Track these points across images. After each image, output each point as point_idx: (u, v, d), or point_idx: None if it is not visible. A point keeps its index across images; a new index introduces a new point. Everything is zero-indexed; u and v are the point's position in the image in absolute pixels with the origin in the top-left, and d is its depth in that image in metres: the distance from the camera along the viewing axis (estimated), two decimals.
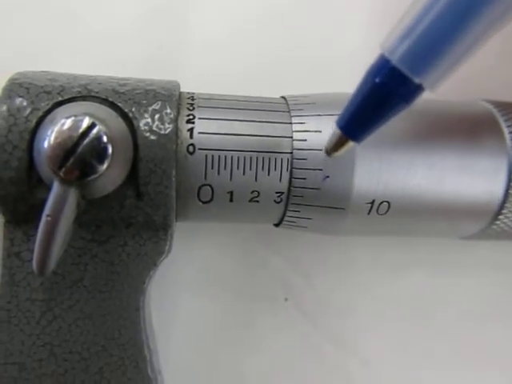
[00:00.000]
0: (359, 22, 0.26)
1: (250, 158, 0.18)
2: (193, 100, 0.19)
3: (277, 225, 0.21)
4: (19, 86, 0.18)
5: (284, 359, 0.25)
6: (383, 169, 0.19)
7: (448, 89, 0.23)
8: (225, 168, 0.18)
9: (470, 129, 0.20)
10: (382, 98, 0.15)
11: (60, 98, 0.18)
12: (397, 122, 0.19)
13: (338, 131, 0.17)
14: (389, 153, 0.19)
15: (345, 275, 0.26)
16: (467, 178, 0.20)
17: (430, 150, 0.19)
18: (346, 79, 0.22)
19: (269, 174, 0.19)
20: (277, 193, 0.19)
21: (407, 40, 0.14)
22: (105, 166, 0.16)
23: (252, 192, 0.19)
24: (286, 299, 0.26)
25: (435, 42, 0.14)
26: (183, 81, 0.20)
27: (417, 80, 0.14)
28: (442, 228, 0.21)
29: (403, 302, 0.26)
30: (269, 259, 0.26)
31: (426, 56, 0.14)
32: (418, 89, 0.15)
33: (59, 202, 0.16)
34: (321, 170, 0.19)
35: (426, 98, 0.21)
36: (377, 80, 0.15)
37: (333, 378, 0.26)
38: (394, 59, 0.14)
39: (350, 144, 0.17)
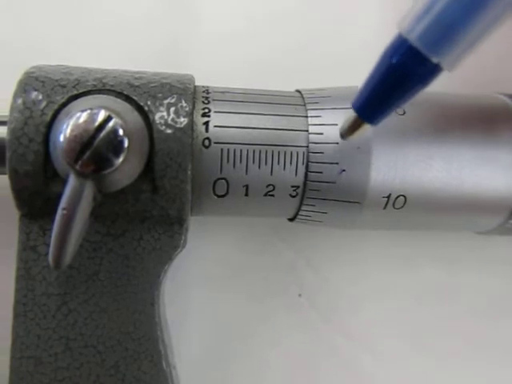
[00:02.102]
0: (373, 15, 0.26)
1: (266, 152, 0.18)
2: (208, 93, 0.19)
3: (291, 219, 0.21)
4: (35, 79, 0.18)
5: (297, 354, 0.25)
6: (400, 162, 0.19)
7: (463, 82, 0.22)
8: (240, 162, 0.18)
9: (488, 122, 0.20)
10: (398, 78, 0.15)
11: (75, 92, 0.18)
12: (414, 115, 0.19)
13: (354, 114, 0.16)
14: (406, 146, 0.19)
15: (358, 270, 0.26)
16: (485, 171, 0.20)
17: (447, 143, 0.19)
18: (359, 73, 0.22)
19: (284, 168, 0.18)
20: (292, 187, 0.19)
21: (425, 18, 0.14)
22: (121, 159, 0.16)
23: (267, 186, 0.19)
24: (300, 294, 0.25)
25: (454, 19, 0.14)
26: (196, 74, 0.20)
27: (435, 59, 0.14)
28: (459, 222, 0.21)
29: (416, 296, 0.26)
30: (283, 254, 0.25)
31: (445, 34, 0.14)
32: (435, 69, 0.14)
33: (75, 195, 0.16)
34: (337, 163, 0.18)
35: (442, 91, 0.21)
36: (393, 60, 0.14)
37: (345, 371, 0.26)
38: (412, 38, 0.14)
39: (366, 127, 0.16)
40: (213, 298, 0.25)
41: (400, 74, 0.15)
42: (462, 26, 0.14)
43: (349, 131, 0.17)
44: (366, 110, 0.16)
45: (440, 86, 0.20)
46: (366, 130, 0.17)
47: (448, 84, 0.20)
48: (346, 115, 0.18)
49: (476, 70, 0.23)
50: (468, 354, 0.26)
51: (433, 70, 0.14)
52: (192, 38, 0.25)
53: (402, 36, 0.14)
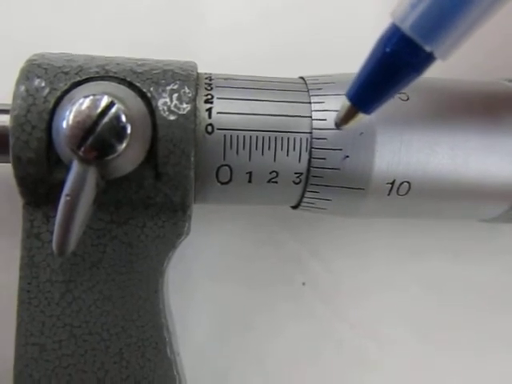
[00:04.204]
0: (376, 2, 0.26)
1: (269, 138, 0.18)
2: (211, 80, 0.19)
3: (295, 207, 0.21)
4: (37, 66, 0.18)
5: (301, 343, 0.25)
6: (404, 148, 0.19)
7: (469, 68, 0.22)
8: (243, 148, 0.18)
9: (493, 108, 0.20)
10: (392, 67, 0.15)
11: (78, 78, 0.18)
12: (418, 101, 0.19)
13: (348, 103, 0.16)
14: (410, 132, 0.19)
15: (362, 259, 0.26)
16: (490, 158, 0.19)
17: (452, 129, 0.19)
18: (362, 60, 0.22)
19: (288, 155, 0.18)
20: (296, 173, 0.19)
21: (418, 7, 0.14)
22: (124, 145, 0.16)
23: (271, 173, 0.19)
24: (304, 283, 0.25)
25: (447, 8, 0.14)
26: (200, 65, 0.20)
27: (428, 48, 0.14)
28: (464, 209, 0.21)
29: (421, 287, 0.26)
30: (287, 244, 0.25)
31: (438, 23, 0.14)
32: (429, 57, 0.14)
33: (79, 181, 0.16)
34: (340, 149, 0.18)
35: (447, 77, 0.21)
36: (387, 49, 0.14)
37: (350, 361, 0.26)
38: (405, 27, 0.14)
39: (360, 116, 0.16)
40: (216, 287, 0.25)
41: (393, 63, 0.15)
42: (455, 14, 0.14)
43: (343, 120, 0.17)
44: (360, 98, 0.16)
45: (445, 73, 0.20)
46: (361, 118, 0.17)
47: (453, 70, 0.20)
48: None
49: (482, 56, 0.23)
50: (472, 344, 0.26)
51: (426, 59, 0.14)
52: (195, 30, 0.25)
53: (395, 25, 0.14)
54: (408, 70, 0.15)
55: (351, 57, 0.25)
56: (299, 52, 0.26)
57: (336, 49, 0.26)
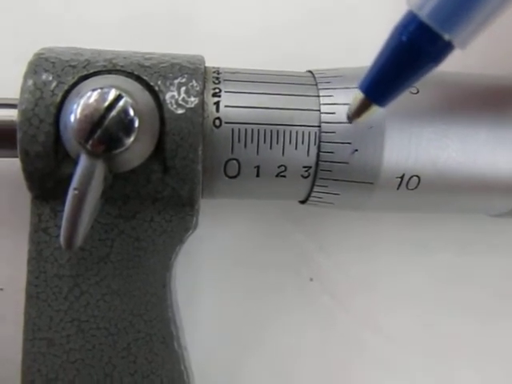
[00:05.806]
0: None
1: (277, 132, 0.18)
2: (218, 74, 0.19)
3: (303, 202, 0.21)
4: (45, 60, 0.18)
5: (309, 338, 0.25)
6: (414, 142, 0.18)
7: (477, 62, 0.22)
8: (251, 142, 0.18)
9: (504, 102, 0.20)
10: (408, 57, 0.14)
11: (85, 72, 0.18)
12: (427, 94, 0.19)
13: (361, 95, 0.16)
14: (420, 125, 0.18)
15: (370, 253, 0.26)
16: (500, 152, 0.19)
17: (462, 123, 0.19)
18: (372, 54, 0.22)
19: (296, 148, 0.18)
20: (304, 167, 0.19)
21: None
22: (132, 138, 0.16)
23: (279, 167, 0.18)
24: (312, 279, 0.25)
25: None
26: (207, 57, 0.20)
27: (447, 36, 0.13)
28: (473, 204, 0.21)
29: (428, 280, 0.26)
30: (294, 238, 0.25)
31: (458, 10, 0.13)
32: (447, 46, 0.14)
33: (86, 175, 0.16)
34: (349, 143, 0.18)
35: (458, 71, 0.20)
36: (403, 38, 0.14)
37: (358, 355, 0.25)
38: (423, 14, 0.14)
39: (374, 108, 0.16)
40: (223, 282, 0.25)
41: (410, 52, 0.14)
42: (475, 0, 0.13)
43: (356, 113, 0.16)
44: (375, 90, 0.16)
45: (454, 66, 0.20)
46: (375, 111, 0.16)
47: (463, 63, 0.20)
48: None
49: (491, 49, 0.23)
50: (483, 340, 0.26)
51: (444, 48, 0.14)
52: (202, 22, 0.25)
53: (412, 12, 0.14)
54: (425, 59, 0.14)
55: (353, 53, 0.25)
56: (300, 50, 0.25)
57: (338, 46, 0.26)
